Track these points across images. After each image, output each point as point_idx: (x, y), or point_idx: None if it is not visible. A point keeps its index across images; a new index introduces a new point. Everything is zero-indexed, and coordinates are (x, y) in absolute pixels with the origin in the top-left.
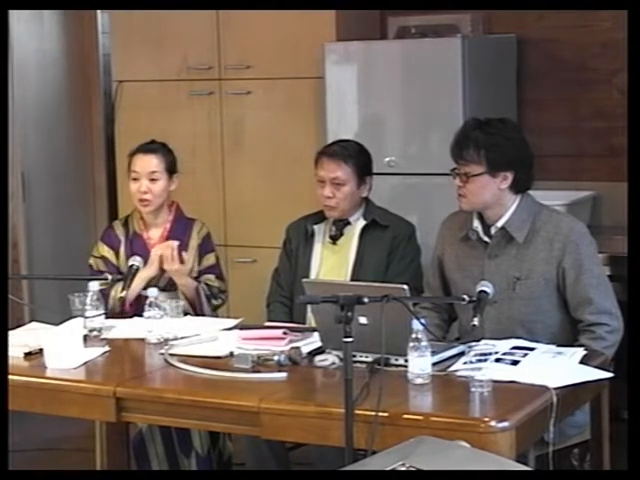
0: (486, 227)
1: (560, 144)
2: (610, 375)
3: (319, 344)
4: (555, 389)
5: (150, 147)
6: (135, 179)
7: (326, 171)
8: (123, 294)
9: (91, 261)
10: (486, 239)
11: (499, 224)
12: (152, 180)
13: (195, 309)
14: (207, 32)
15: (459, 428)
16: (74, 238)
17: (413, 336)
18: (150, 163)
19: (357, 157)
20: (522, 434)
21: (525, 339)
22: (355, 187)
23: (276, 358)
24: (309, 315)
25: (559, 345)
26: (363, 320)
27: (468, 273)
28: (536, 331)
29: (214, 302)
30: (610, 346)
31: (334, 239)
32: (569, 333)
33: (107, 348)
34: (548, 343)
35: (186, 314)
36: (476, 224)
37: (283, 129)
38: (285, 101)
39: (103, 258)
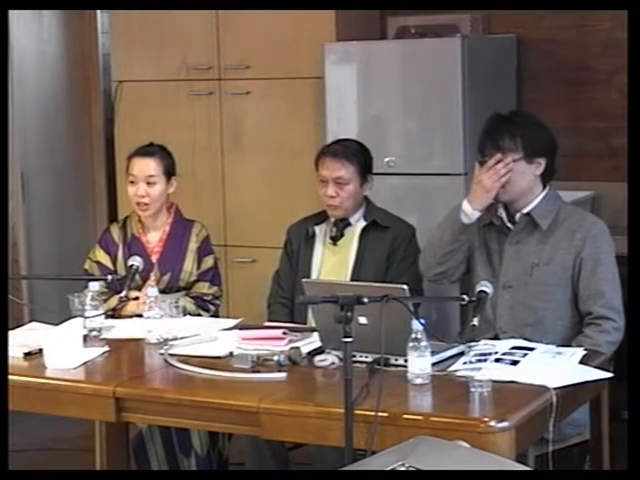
0: (510, 215)
1: (560, 144)
2: (610, 375)
3: (319, 344)
4: (555, 389)
5: (148, 150)
6: (132, 182)
7: (329, 170)
8: (123, 294)
9: (86, 265)
10: (509, 225)
11: (525, 210)
12: (149, 184)
13: None
14: (207, 32)
15: (459, 428)
16: (74, 238)
17: (413, 336)
18: (147, 167)
19: (359, 156)
20: (522, 434)
21: (532, 332)
22: (358, 186)
23: (276, 358)
24: (310, 316)
25: (560, 344)
26: (363, 320)
27: (488, 259)
28: (546, 320)
29: (204, 314)
30: (613, 342)
31: (334, 240)
32: (575, 331)
33: (107, 348)
34: (549, 343)
35: (186, 314)
36: (501, 211)
37: (283, 129)
38: (285, 101)
39: (98, 263)
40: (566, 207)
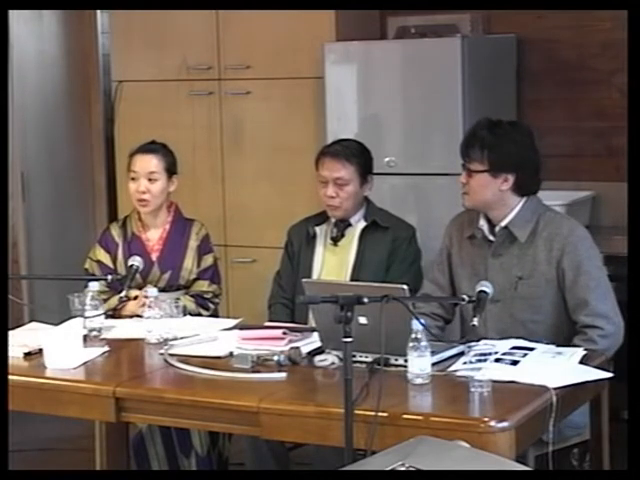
0: (492, 226)
1: (559, 144)
2: (610, 375)
3: (319, 344)
4: (555, 389)
5: (150, 147)
6: (134, 179)
7: (329, 171)
8: (123, 294)
9: (87, 265)
10: (491, 238)
11: (503, 223)
12: (151, 180)
13: None
14: (207, 32)
15: (459, 428)
16: (74, 238)
17: (413, 336)
18: (149, 163)
19: (360, 156)
20: (522, 434)
21: (526, 339)
22: (358, 186)
23: (276, 358)
24: (311, 317)
25: (559, 346)
26: (363, 320)
27: (473, 271)
28: (537, 332)
29: (205, 313)
30: (602, 350)
31: (335, 240)
32: (570, 335)
33: (107, 348)
34: (548, 344)
35: (186, 313)
36: (482, 223)
37: (283, 129)
38: (285, 101)
39: (98, 262)
40: (546, 215)
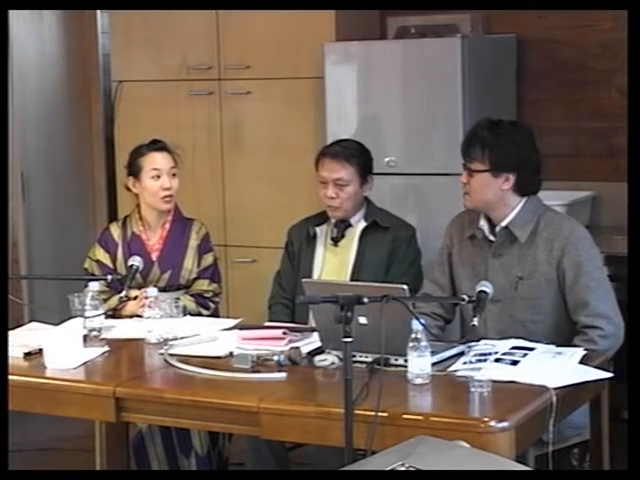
0: (492, 227)
1: (559, 144)
2: (610, 375)
3: (319, 344)
4: (555, 389)
5: (162, 145)
6: (158, 176)
7: (329, 172)
8: (123, 294)
9: (86, 264)
10: (492, 238)
11: (503, 223)
12: (173, 175)
13: None
14: (207, 32)
15: (459, 428)
16: (74, 238)
17: (413, 336)
18: (169, 160)
19: (359, 157)
20: (522, 434)
21: (526, 339)
22: (358, 187)
23: (276, 358)
24: (311, 317)
25: (559, 346)
26: (363, 320)
27: (473, 271)
28: (537, 332)
29: (205, 313)
30: (603, 350)
31: (335, 241)
32: (570, 335)
33: (107, 348)
34: (548, 344)
35: (186, 313)
36: (482, 223)
37: (283, 129)
38: (285, 101)
39: (98, 262)
40: (546, 215)
